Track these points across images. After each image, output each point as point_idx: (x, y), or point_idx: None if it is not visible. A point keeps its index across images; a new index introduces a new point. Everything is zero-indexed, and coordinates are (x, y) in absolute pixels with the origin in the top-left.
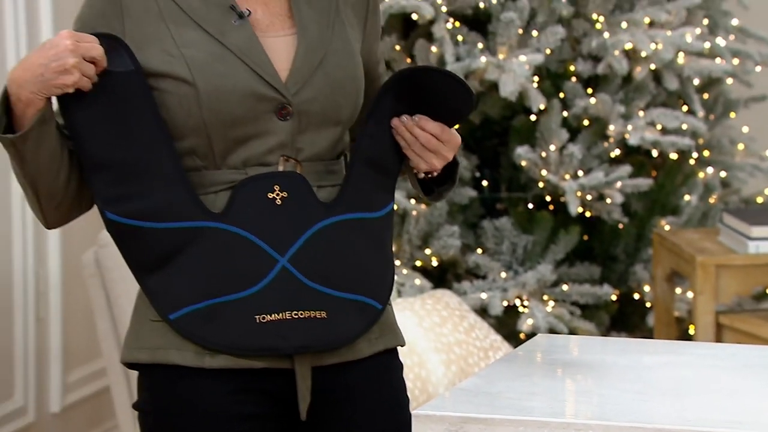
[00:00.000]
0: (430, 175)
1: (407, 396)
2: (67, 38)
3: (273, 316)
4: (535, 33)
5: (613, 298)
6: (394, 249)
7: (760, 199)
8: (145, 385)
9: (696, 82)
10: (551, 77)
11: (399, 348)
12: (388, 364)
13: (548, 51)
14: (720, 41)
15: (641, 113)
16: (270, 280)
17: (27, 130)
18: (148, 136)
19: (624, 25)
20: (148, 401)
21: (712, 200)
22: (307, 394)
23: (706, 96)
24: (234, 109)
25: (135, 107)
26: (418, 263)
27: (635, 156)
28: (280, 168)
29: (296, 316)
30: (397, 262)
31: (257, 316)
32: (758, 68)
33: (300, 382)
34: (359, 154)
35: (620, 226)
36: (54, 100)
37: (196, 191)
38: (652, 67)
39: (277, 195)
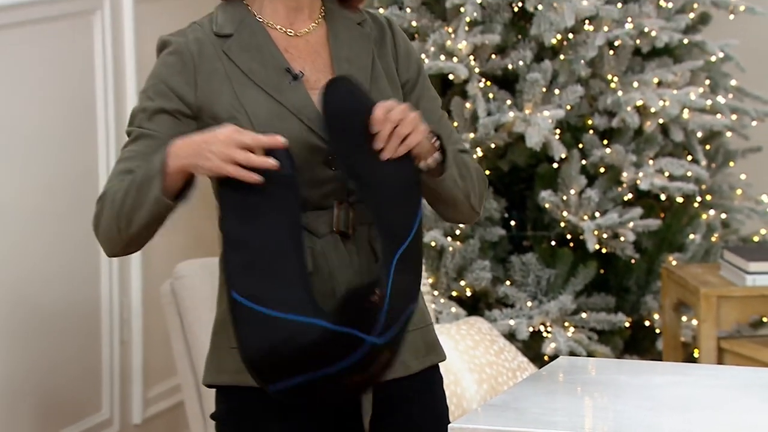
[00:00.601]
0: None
1: (447, 406)
2: (228, 131)
3: (356, 377)
4: (557, 91)
5: (627, 324)
6: (432, 281)
7: (756, 238)
8: (223, 400)
9: (699, 134)
10: (571, 130)
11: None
12: (433, 378)
13: (568, 107)
14: (720, 99)
15: (651, 162)
16: (362, 356)
17: (180, 200)
18: (282, 236)
19: (635, 84)
20: (225, 413)
21: (713, 239)
22: (369, 407)
23: (708, 147)
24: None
25: (279, 207)
26: (454, 293)
27: (645, 199)
28: (335, 211)
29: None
30: (435, 292)
31: (346, 382)
32: (754, 123)
33: (364, 400)
34: (370, 201)
35: (632, 261)
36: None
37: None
38: (661, 121)
39: (377, 296)
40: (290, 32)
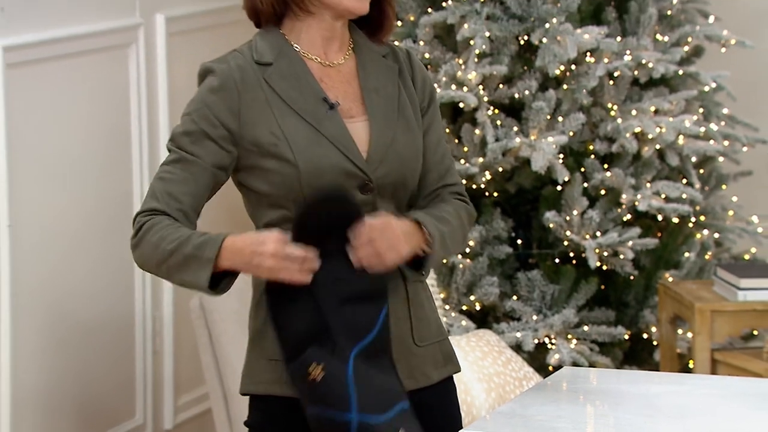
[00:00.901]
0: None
1: (461, 412)
2: (274, 246)
3: None
4: (560, 118)
5: (626, 337)
6: (443, 296)
7: (747, 257)
8: (258, 408)
9: (693, 159)
10: (574, 155)
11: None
12: (450, 387)
13: (571, 133)
14: (713, 126)
15: (648, 184)
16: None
17: (220, 291)
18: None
19: (634, 112)
20: (258, 421)
21: (707, 257)
22: None
23: (701, 171)
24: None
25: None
26: (464, 307)
27: (643, 220)
28: None
29: None
30: (446, 306)
31: None
32: (745, 148)
33: None
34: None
35: (631, 277)
36: None
37: None
38: (657, 146)
39: (313, 373)
40: (324, 62)
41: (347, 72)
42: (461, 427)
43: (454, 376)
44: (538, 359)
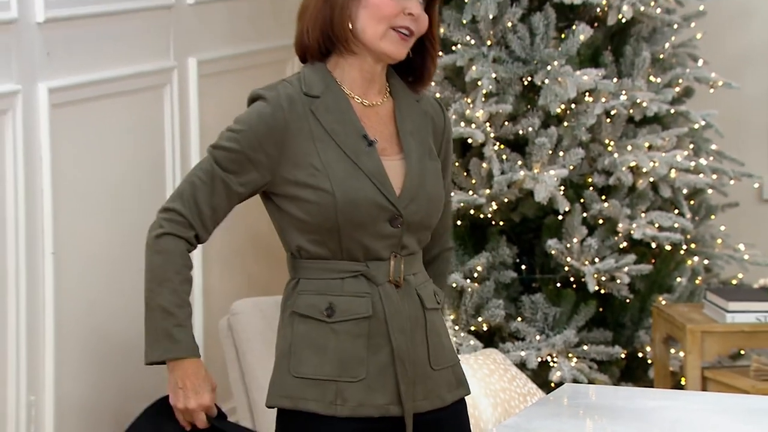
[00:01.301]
0: None
1: (471, 430)
2: (198, 405)
3: None
4: (561, 153)
5: (622, 356)
6: (453, 317)
7: (734, 281)
8: (283, 421)
9: (684, 191)
10: (573, 187)
11: None
12: (462, 408)
13: (571, 167)
14: (702, 161)
15: (643, 214)
16: None
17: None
18: None
19: (629, 148)
20: None
21: (697, 282)
22: None
23: (692, 202)
24: (361, 215)
25: None
26: (472, 328)
27: (638, 247)
28: (392, 262)
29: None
30: (456, 327)
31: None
32: (732, 182)
33: (408, 425)
34: None
35: (627, 300)
36: None
37: (325, 276)
38: (651, 179)
39: None
40: (365, 102)
41: (384, 114)
42: None
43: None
44: (541, 376)
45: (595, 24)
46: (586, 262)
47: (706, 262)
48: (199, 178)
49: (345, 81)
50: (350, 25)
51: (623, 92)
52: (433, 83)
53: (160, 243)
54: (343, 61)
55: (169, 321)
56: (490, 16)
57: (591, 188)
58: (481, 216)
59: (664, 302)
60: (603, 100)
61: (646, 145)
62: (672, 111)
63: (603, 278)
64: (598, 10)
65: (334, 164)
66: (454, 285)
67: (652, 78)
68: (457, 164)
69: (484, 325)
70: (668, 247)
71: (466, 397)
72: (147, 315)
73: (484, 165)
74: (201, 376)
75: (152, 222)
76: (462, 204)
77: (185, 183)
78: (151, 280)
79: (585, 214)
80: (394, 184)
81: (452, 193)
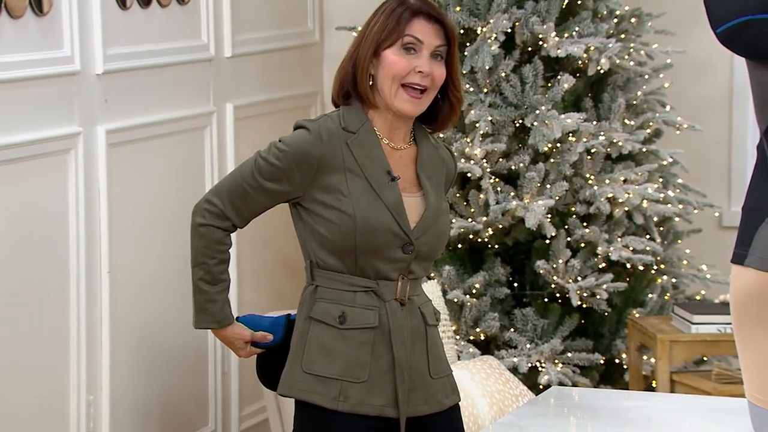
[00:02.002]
0: None
1: (464, 430)
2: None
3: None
4: (548, 186)
5: (601, 362)
6: (454, 328)
7: (698, 297)
8: (297, 419)
9: (655, 219)
10: (559, 215)
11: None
12: (457, 411)
13: (557, 197)
14: (670, 193)
15: (619, 239)
16: None
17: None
18: None
19: (607, 181)
20: (298, 421)
21: (666, 297)
22: None
23: (661, 228)
24: (377, 240)
25: None
26: (471, 337)
27: (615, 267)
28: (399, 283)
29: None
30: (457, 337)
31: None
32: (696, 211)
33: (401, 427)
34: None
35: (605, 313)
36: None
37: (339, 287)
38: (626, 208)
39: None
40: (391, 145)
41: (407, 157)
42: None
43: (461, 392)
44: (531, 379)
45: (577, 74)
46: (570, 280)
47: (673, 280)
48: (241, 181)
49: (376, 123)
50: (371, 83)
51: (602, 133)
52: None
53: (201, 231)
54: (373, 110)
55: (203, 296)
56: (487, 67)
57: (574, 216)
58: (479, 240)
59: (637, 315)
60: (584, 139)
61: (622, 178)
62: (644, 149)
63: (584, 294)
64: (580, 62)
65: (359, 193)
66: (455, 300)
67: (626, 121)
68: (457, 195)
69: (482, 335)
70: (641, 268)
71: (464, 396)
72: (192, 289)
73: (482, 196)
74: (228, 341)
75: (196, 205)
76: (462, 230)
77: (229, 184)
78: (192, 260)
79: (569, 239)
80: (412, 217)
81: (453, 220)
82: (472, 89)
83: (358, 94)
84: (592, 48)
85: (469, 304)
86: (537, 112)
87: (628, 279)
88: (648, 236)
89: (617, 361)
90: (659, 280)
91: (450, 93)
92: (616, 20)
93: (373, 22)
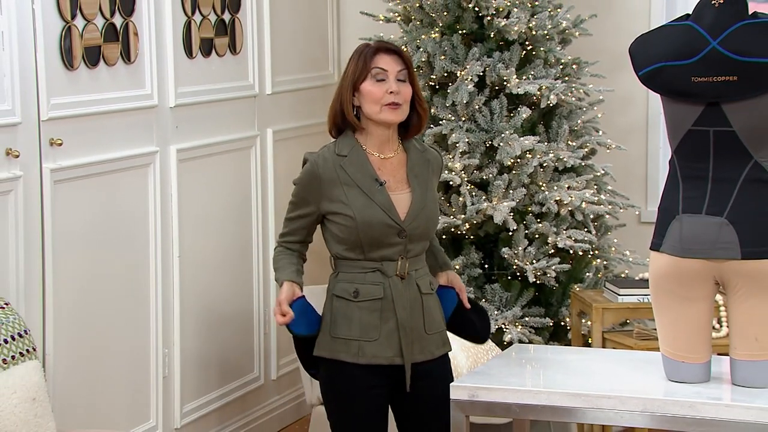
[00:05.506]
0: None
1: (453, 376)
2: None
3: None
4: (511, 191)
5: (550, 324)
6: None
7: (623, 275)
8: (326, 370)
9: (591, 216)
10: (519, 213)
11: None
12: (446, 360)
13: (518, 200)
14: (603, 197)
15: (564, 232)
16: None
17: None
18: None
19: (555, 188)
20: (325, 378)
21: (599, 276)
22: (409, 378)
23: (596, 223)
24: (375, 232)
25: None
26: None
27: (561, 253)
28: (399, 262)
29: None
30: None
31: None
32: (621, 210)
33: (407, 371)
34: None
35: (554, 288)
36: None
37: (353, 271)
38: (570, 209)
39: None
40: (381, 156)
41: (397, 163)
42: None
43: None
44: (498, 338)
45: (533, 107)
46: (527, 263)
47: (605, 263)
48: (290, 217)
49: (367, 143)
50: (356, 113)
51: (551, 151)
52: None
53: (276, 253)
54: (364, 132)
55: (276, 266)
56: (464, 102)
57: (531, 214)
58: (459, 232)
59: (578, 289)
60: (538, 156)
61: (566, 186)
62: (583, 164)
63: (538, 273)
64: (534, 97)
65: (355, 199)
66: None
67: (569, 142)
68: (442, 198)
69: None
70: (581, 253)
71: (449, 353)
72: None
73: (461, 199)
74: (282, 290)
75: (276, 241)
76: (446, 225)
77: (287, 220)
78: (274, 266)
79: (527, 231)
80: (402, 210)
81: (438, 218)
82: (453, 118)
83: (347, 124)
84: (543, 87)
85: None
86: (503, 135)
87: (571, 261)
88: (586, 229)
89: (563, 324)
90: (594, 263)
91: (417, 105)
92: (561, 66)
93: (347, 68)
